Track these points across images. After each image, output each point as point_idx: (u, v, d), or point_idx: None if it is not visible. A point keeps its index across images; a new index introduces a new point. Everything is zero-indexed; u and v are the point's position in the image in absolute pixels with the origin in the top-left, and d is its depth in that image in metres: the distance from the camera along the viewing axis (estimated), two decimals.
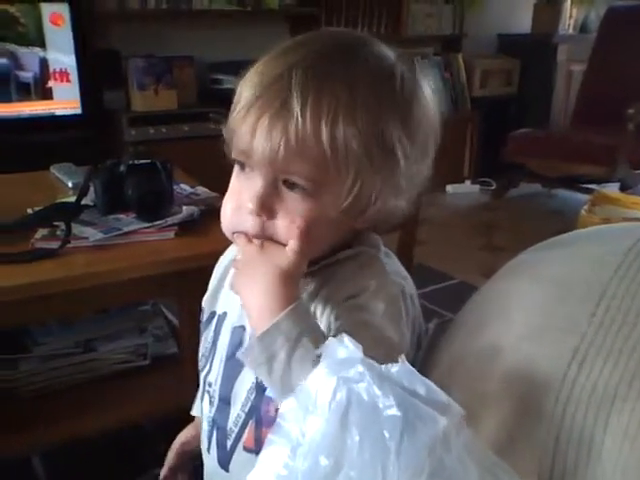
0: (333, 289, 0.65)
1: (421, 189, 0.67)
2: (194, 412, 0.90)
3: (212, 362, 0.76)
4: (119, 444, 1.50)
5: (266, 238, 0.62)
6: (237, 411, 0.71)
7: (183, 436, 0.90)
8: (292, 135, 0.57)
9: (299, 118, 0.57)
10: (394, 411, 0.41)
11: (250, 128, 0.59)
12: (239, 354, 0.61)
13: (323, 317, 0.64)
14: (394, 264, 0.71)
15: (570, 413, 0.50)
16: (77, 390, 1.43)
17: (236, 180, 0.65)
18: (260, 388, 0.67)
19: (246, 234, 0.63)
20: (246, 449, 0.70)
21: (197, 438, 0.84)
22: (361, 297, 0.62)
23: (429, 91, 0.65)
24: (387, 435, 0.40)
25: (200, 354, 0.80)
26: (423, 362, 0.71)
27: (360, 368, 0.43)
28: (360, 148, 0.58)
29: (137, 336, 1.53)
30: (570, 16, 4.72)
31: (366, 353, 0.46)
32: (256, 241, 0.63)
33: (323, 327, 0.62)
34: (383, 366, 0.45)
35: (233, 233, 0.65)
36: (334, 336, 0.57)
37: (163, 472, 0.86)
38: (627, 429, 0.48)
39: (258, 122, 0.58)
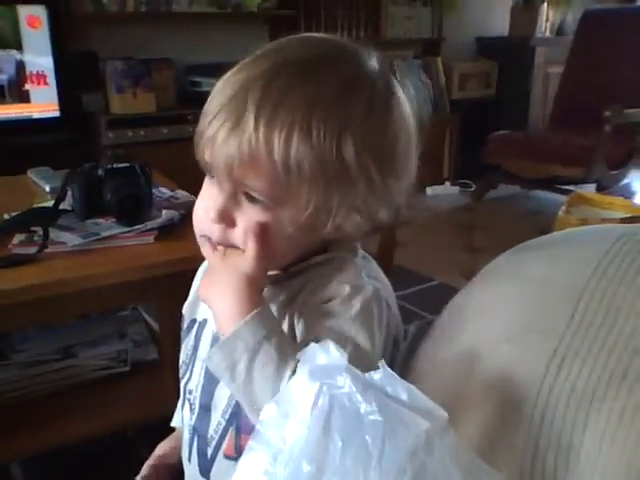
0: (309, 295, 0.65)
1: (400, 202, 0.66)
2: (174, 423, 0.90)
3: (192, 369, 0.76)
4: (100, 450, 1.49)
5: (228, 245, 0.63)
6: (218, 418, 0.71)
7: (161, 448, 0.88)
8: (245, 150, 0.57)
9: (252, 134, 0.56)
10: (376, 416, 0.41)
11: (210, 139, 0.59)
12: (203, 360, 0.62)
13: (299, 324, 0.64)
14: (371, 268, 0.70)
15: (549, 415, 0.51)
16: (57, 397, 1.42)
17: (206, 184, 0.66)
18: None
19: (210, 239, 0.64)
20: (227, 457, 0.70)
21: (176, 451, 0.83)
22: (333, 302, 0.62)
23: (406, 107, 0.64)
24: (369, 440, 0.40)
25: (180, 361, 0.79)
26: (403, 365, 0.71)
27: (343, 374, 0.43)
28: (315, 168, 0.57)
29: (117, 342, 1.52)
30: (547, 19, 4.77)
31: None
32: (220, 249, 0.64)
33: (299, 334, 0.63)
34: (366, 373, 0.45)
35: (201, 236, 0.66)
36: (303, 342, 0.58)
37: None
38: (605, 430, 0.48)
39: (216, 135, 0.58)
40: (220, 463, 0.71)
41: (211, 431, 0.71)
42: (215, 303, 0.62)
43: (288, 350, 0.57)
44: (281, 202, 0.60)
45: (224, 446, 0.70)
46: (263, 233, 0.61)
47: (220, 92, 0.60)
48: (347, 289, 0.63)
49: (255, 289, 0.61)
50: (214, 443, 0.71)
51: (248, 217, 0.61)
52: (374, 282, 0.66)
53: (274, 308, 0.65)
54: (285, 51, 0.61)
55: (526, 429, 0.51)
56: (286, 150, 0.56)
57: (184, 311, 0.82)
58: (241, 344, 0.57)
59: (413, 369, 0.69)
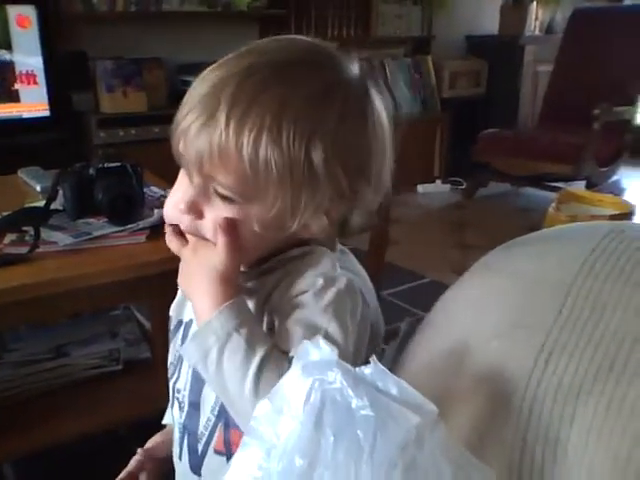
0: (285, 288, 0.65)
1: (373, 207, 0.67)
2: (165, 420, 0.90)
3: (180, 369, 0.77)
4: (93, 449, 1.49)
5: (197, 235, 0.64)
6: (207, 415, 0.71)
7: (149, 442, 0.89)
8: (215, 147, 0.58)
9: (223, 131, 0.57)
10: (367, 411, 0.42)
11: (183, 131, 0.60)
12: (180, 350, 0.64)
13: (276, 317, 0.65)
14: (348, 260, 0.71)
15: (537, 410, 0.52)
16: (50, 396, 1.42)
17: (181, 174, 0.67)
18: None
19: (177, 228, 0.66)
20: (217, 452, 0.71)
21: (164, 445, 0.84)
22: (306, 294, 0.63)
23: (383, 115, 0.64)
24: (361, 435, 0.41)
25: (169, 362, 0.80)
26: (394, 360, 0.72)
27: (334, 370, 0.44)
28: (282, 169, 0.58)
29: (109, 341, 1.52)
30: (536, 18, 4.79)
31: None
32: (190, 242, 0.65)
33: (277, 325, 0.64)
34: (357, 368, 0.45)
35: (169, 225, 0.67)
36: (276, 335, 0.61)
37: (120, 476, 0.84)
38: (592, 422, 0.49)
39: (189, 128, 0.59)
40: (210, 459, 0.72)
41: (201, 427, 0.72)
42: (192, 295, 0.65)
43: (258, 341, 0.59)
44: (248, 199, 0.61)
45: (214, 442, 0.71)
46: (232, 228, 0.62)
47: (198, 86, 0.61)
48: (320, 281, 0.63)
49: (228, 282, 0.62)
50: (204, 439, 0.72)
51: (216, 211, 0.62)
52: (348, 274, 0.66)
53: (252, 304, 0.66)
54: (267, 51, 0.62)
55: (514, 423, 0.52)
56: (255, 149, 0.57)
57: (171, 312, 0.83)
58: (212, 335, 0.59)
59: (404, 364, 0.70)
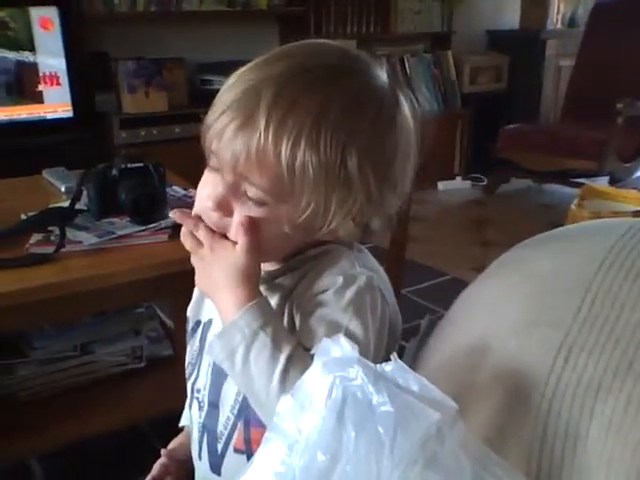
0: (305, 287, 0.66)
1: (392, 212, 0.68)
2: (182, 422, 0.91)
3: (199, 369, 0.77)
4: (116, 445, 1.51)
5: (223, 232, 0.64)
6: (226, 414, 0.72)
7: (171, 444, 0.89)
8: (253, 149, 0.58)
9: (262, 134, 0.58)
10: (388, 407, 0.43)
11: (218, 132, 0.61)
12: (205, 350, 0.65)
13: (297, 317, 0.66)
14: (366, 258, 0.72)
15: (556, 406, 0.52)
16: (74, 393, 1.44)
17: (204, 178, 0.67)
18: None
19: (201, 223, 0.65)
20: (236, 451, 0.71)
21: (184, 446, 0.85)
22: (327, 293, 0.64)
23: (409, 122, 0.65)
24: (381, 431, 0.42)
25: (187, 362, 0.81)
26: (415, 357, 0.73)
27: (355, 367, 0.45)
28: (318, 173, 0.59)
29: (132, 338, 1.54)
30: (558, 11, 4.74)
31: None
32: (207, 241, 0.65)
33: (297, 324, 0.65)
34: (377, 365, 0.46)
35: (195, 216, 0.67)
36: (299, 333, 0.62)
37: None
38: (611, 420, 0.49)
39: (225, 129, 0.60)
40: (230, 458, 0.72)
41: (220, 427, 0.73)
42: (214, 295, 0.65)
43: (283, 340, 0.60)
44: (280, 201, 0.62)
45: (234, 440, 0.71)
46: (253, 227, 0.63)
47: (232, 87, 0.61)
48: (340, 280, 0.64)
49: (250, 281, 0.63)
50: (224, 438, 0.72)
51: (245, 210, 0.63)
52: (367, 271, 0.67)
53: (274, 302, 0.67)
54: (300, 56, 0.63)
55: (534, 419, 0.52)
56: (293, 154, 0.58)
57: (188, 313, 0.83)
58: (238, 334, 0.60)
59: (424, 361, 0.70)
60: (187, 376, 0.81)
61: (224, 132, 0.60)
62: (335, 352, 0.47)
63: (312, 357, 0.55)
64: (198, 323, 0.80)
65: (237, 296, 0.62)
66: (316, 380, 0.45)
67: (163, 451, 0.85)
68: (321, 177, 0.60)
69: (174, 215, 0.67)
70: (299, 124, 0.58)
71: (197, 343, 0.79)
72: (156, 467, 0.84)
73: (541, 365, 0.54)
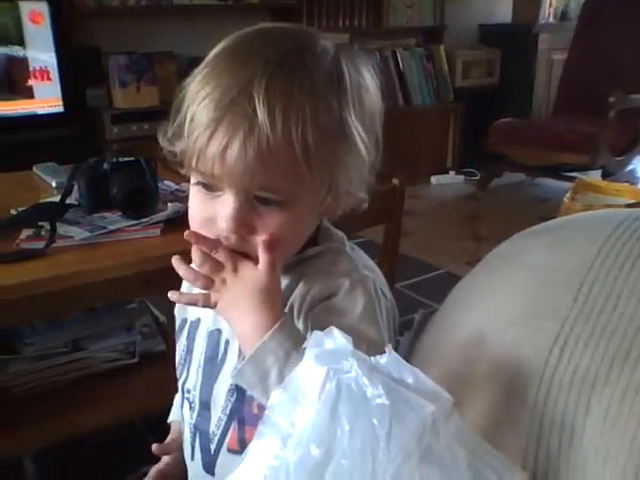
0: (306, 288, 0.65)
1: (372, 182, 0.68)
2: (171, 418, 0.89)
3: (189, 369, 0.76)
4: (110, 442, 1.50)
5: (243, 253, 0.62)
6: (218, 414, 0.71)
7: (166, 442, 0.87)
8: (265, 152, 0.57)
9: (270, 134, 0.56)
10: (383, 400, 0.42)
11: (219, 151, 0.57)
12: (231, 377, 0.61)
13: (300, 319, 0.65)
14: (362, 258, 0.72)
15: (552, 398, 0.52)
16: (67, 389, 1.43)
17: (199, 200, 0.64)
18: (240, 389, 0.67)
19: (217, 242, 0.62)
20: (231, 451, 0.71)
21: (175, 441, 0.83)
22: (336, 298, 0.63)
23: (369, 76, 0.66)
24: (376, 423, 0.41)
25: (177, 362, 0.80)
26: (409, 350, 0.72)
27: (349, 359, 0.44)
28: (328, 149, 0.59)
29: (125, 334, 1.53)
30: (550, 5, 4.74)
31: None
32: (228, 264, 0.62)
33: (301, 329, 0.64)
34: (372, 357, 0.46)
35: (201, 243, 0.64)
36: None
37: None
38: (608, 412, 0.49)
39: (229, 144, 0.57)
40: (224, 458, 0.71)
41: (212, 427, 0.72)
42: (237, 322, 0.62)
43: None
44: (300, 194, 0.61)
45: (227, 440, 0.71)
46: (276, 244, 0.61)
47: (211, 102, 0.58)
48: (347, 283, 0.64)
49: (274, 300, 0.61)
50: (216, 439, 0.72)
51: (266, 220, 0.61)
52: (369, 273, 0.67)
53: None
54: (268, 46, 0.61)
55: (530, 411, 0.52)
56: (303, 140, 0.58)
57: (175, 312, 0.82)
58: (270, 356, 0.57)
59: (419, 355, 0.70)
60: (177, 376, 0.80)
61: (226, 151, 0.57)
62: (328, 344, 0.46)
63: None
64: (184, 321, 0.79)
65: (263, 316, 0.59)
66: (309, 372, 0.45)
67: (154, 447, 0.83)
68: (332, 152, 0.60)
69: (188, 237, 0.63)
70: (301, 111, 0.58)
71: (184, 342, 0.78)
72: (152, 472, 0.82)
73: (537, 357, 0.54)
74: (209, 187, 0.62)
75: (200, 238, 0.63)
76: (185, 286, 0.80)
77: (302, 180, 0.60)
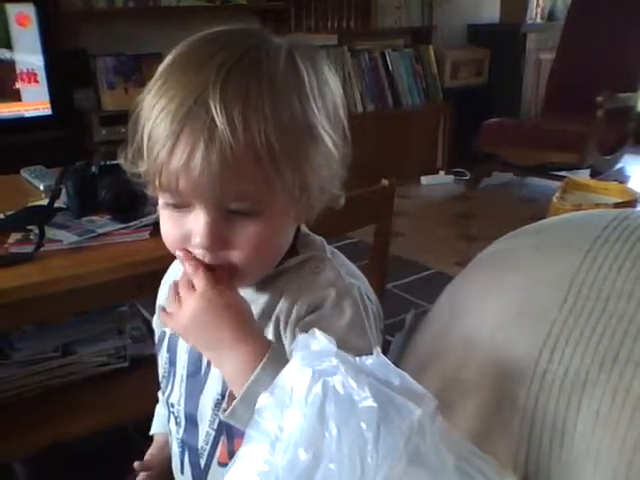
0: (291, 301, 0.64)
1: (343, 174, 0.65)
2: (153, 430, 0.88)
3: (173, 383, 0.74)
4: (101, 446, 1.49)
5: (219, 266, 0.60)
6: (206, 429, 0.70)
7: (146, 457, 0.85)
8: (230, 160, 0.54)
9: (232, 141, 0.54)
10: (370, 402, 0.42)
11: (182, 165, 0.55)
12: (223, 417, 0.58)
13: (287, 332, 0.63)
14: (344, 264, 0.69)
15: (543, 400, 0.52)
16: (57, 394, 1.42)
17: (169, 220, 0.62)
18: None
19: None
20: (221, 464, 0.69)
21: (157, 456, 0.82)
22: (323, 310, 0.62)
23: (327, 69, 0.64)
24: (364, 426, 0.41)
25: (160, 376, 0.78)
26: (400, 352, 0.72)
27: (334, 361, 0.44)
28: (295, 148, 0.57)
29: (115, 338, 1.52)
30: (537, 5, 4.76)
31: None
32: (201, 285, 0.59)
33: (287, 343, 0.62)
34: (357, 358, 0.45)
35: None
36: None
37: None
38: (598, 413, 0.49)
39: (191, 156, 0.55)
40: (215, 471, 0.70)
41: (201, 442, 0.71)
42: (222, 347, 0.59)
43: None
44: (272, 199, 0.59)
45: (217, 454, 0.69)
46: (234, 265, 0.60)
47: (167, 115, 0.56)
48: (333, 294, 0.62)
49: (251, 323, 0.60)
50: (206, 454, 0.70)
51: (241, 231, 0.59)
52: (354, 280, 0.66)
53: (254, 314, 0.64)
54: (221, 50, 0.58)
55: (521, 412, 0.52)
56: (268, 143, 0.55)
57: (153, 325, 0.81)
58: (263, 390, 0.53)
59: (410, 356, 0.70)
60: (162, 390, 0.78)
61: (190, 162, 0.54)
62: (314, 346, 0.46)
63: None
64: (163, 334, 0.77)
65: (251, 340, 0.58)
66: (295, 375, 0.44)
67: (136, 464, 0.80)
68: (298, 149, 0.58)
69: (180, 256, 0.62)
70: (260, 114, 0.55)
71: (166, 354, 0.76)
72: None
73: (527, 358, 0.54)
74: (177, 206, 0.60)
75: (188, 257, 0.61)
76: (160, 302, 0.79)
77: (272, 184, 0.57)
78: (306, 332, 0.59)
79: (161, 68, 0.61)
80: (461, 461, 0.43)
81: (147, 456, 0.84)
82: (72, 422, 1.34)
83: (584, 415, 0.50)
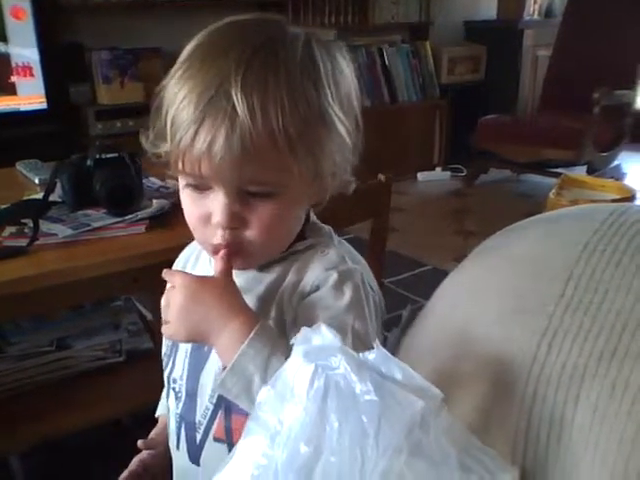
0: (296, 280, 0.67)
1: (354, 161, 0.69)
2: (159, 412, 0.90)
3: (175, 359, 0.77)
4: (98, 441, 1.49)
5: (237, 246, 0.64)
6: (205, 403, 0.72)
7: (150, 436, 0.87)
8: (250, 146, 0.58)
9: (252, 129, 0.57)
10: (372, 396, 0.42)
11: (203, 149, 0.59)
12: (216, 388, 0.64)
13: (289, 309, 0.66)
14: (350, 252, 0.73)
15: (541, 394, 0.51)
16: (53, 389, 1.42)
17: (190, 201, 0.66)
18: None
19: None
20: (216, 439, 0.71)
21: (161, 436, 0.84)
22: (324, 290, 0.64)
23: (342, 59, 0.66)
24: (365, 420, 0.41)
25: (163, 353, 0.81)
26: (397, 347, 0.72)
27: (337, 355, 0.44)
28: (311, 136, 0.61)
29: (111, 332, 1.52)
30: (535, 1, 4.76)
31: None
32: (183, 277, 0.66)
33: (289, 319, 0.65)
34: (360, 353, 0.45)
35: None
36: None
37: (122, 475, 0.81)
38: (596, 407, 0.49)
39: (213, 142, 0.58)
40: (210, 447, 0.72)
41: (198, 416, 0.72)
42: (213, 329, 0.63)
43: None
44: (289, 183, 0.62)
45: (213, 429, 0.71)
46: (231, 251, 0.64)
47: (190, 102, 0.59)
48: (335, 275, 0.65)
49: (240, 302, 0.63)
50: (202, 428, 0.72)
51: (259, 213, 0.63)
52: (357, 266, 0.68)
53: (253, 300, 0.67)
54: (241, 39, 0.62)
55: (518, 406, 0.52)
56: (286, 131, 0.59)
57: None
58: (250, 364, 0.59)
59: (406, 351, 0.70)
60: (164, 367, 0.80)
61: (212, 148, 0.58)
62: (316, 340, 0.46)
63: None
64: None
65: (238, 320, 0.61)
66: (297, 369, 0.44)
67: (140, 442, 0.83)
68: (313, 138, 0.61)
69: (164, 275, 0.68)
70: (279, 102, 0.58)
71: None
72: (134, 462, 0.83)
73: (525, 351, 0.54)
74: (198, 187, 0.64)
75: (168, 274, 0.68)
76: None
77: (289, 169, 0.61)
78: (306, 311, 0.64)
79: (183, 56, 0.64)
80: (463, 454, 0.43)
81: (151, 434, 0.87)
82: (68, 416, 1.34)
83: (582, 409, 0.49)
